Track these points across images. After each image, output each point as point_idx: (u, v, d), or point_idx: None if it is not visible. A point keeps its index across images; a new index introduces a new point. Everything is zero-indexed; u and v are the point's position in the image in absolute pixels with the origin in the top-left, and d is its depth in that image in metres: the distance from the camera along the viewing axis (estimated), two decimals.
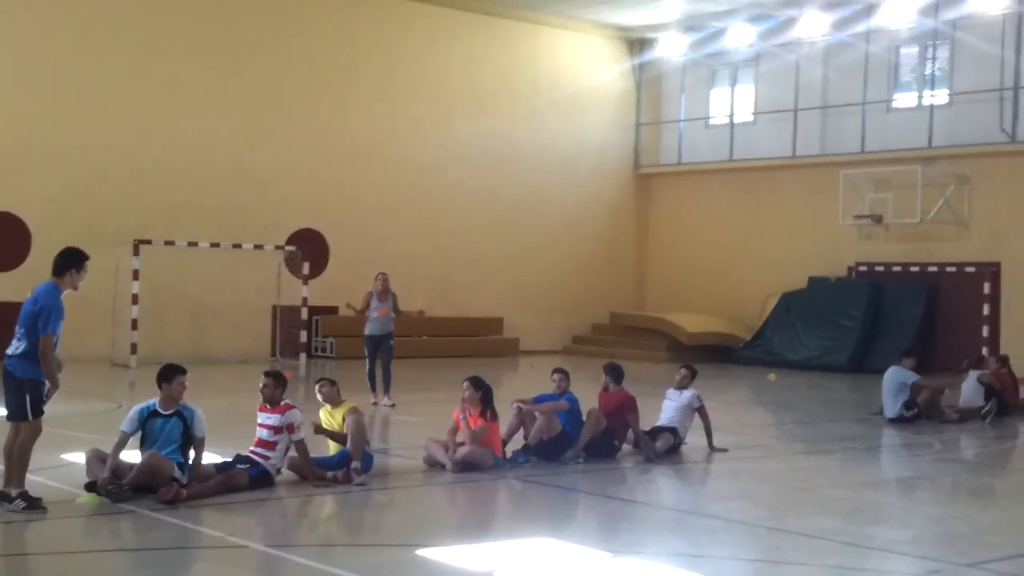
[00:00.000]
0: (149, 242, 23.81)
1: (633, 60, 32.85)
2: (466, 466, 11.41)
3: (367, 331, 17.55)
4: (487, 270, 30.27)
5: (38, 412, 9.14)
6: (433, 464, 11.60)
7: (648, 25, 31.42)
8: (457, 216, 29.62)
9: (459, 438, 11.70)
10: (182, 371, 10.03)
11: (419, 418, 15.95)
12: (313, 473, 10.57)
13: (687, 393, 13.46)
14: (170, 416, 9.89)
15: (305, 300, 25.46)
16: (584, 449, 12.30)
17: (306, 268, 25.60)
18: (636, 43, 32.71)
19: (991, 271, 26.09)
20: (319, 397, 11.30)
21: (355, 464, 10.64)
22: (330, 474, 10.60)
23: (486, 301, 30.18)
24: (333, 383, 11.36)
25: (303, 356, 25.32)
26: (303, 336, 25.60)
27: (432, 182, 29.24)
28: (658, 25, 31.27)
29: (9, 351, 9.13)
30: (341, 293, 25.93)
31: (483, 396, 11.74)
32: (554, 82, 31.30)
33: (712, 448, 13.36)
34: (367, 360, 17.54)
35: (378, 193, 28.38)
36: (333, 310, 26.87)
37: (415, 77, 29.01)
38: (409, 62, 28.90)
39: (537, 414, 12.24)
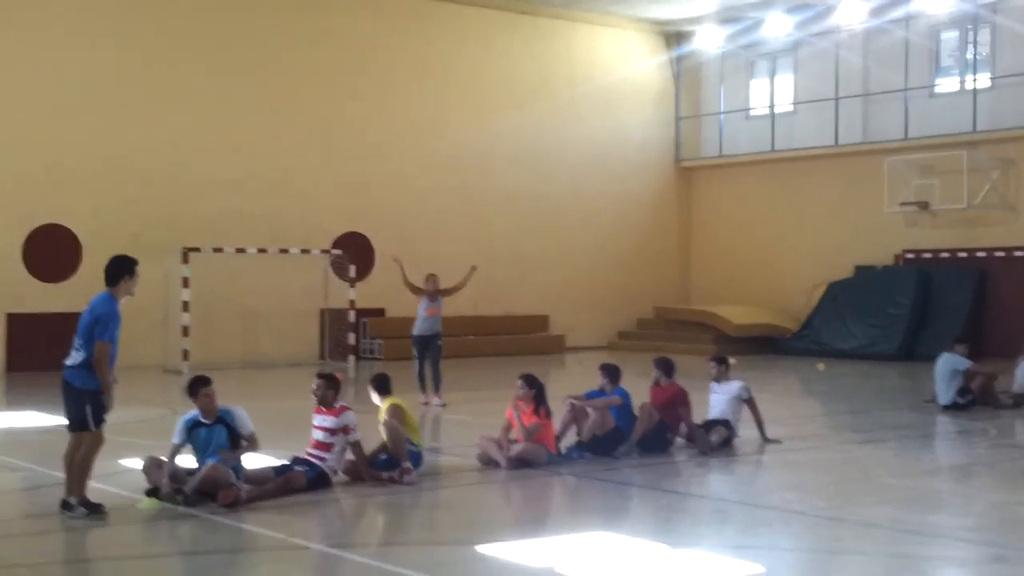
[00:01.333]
0: (198, 250, 24.03)
1: (670, 53, 32.75)
2: (520, 463, 11.44)
3: (416, 331, 17.63)
4: (531, 268, 30.29)
5: (99, 421, 9.24)
6: (488, 462, 11.62)
7: (684, 18, 31.31)
8: (499, 215, 29.67)
9: (512, 435, 11.74)
10: (206, 382, 10.07)
11: (470, 417, 15.98)
12: (369, 474, 10.63)
13: (734, 385, 13.41)
14: (213, 424, 9.96)
15: (352, 303, 25.57)
16: (637, 444, 12.28)
17: (352, 271, 25.72)
18: (673, 36, 32.60)
19: None
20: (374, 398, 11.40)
21: (405, 464, 10.69)
22: (385, 475, 10.66)
23: (531, 299, 30.20)
24: (378, 381, 11.42)
25: (352, 358, 25.44)
26: (351, 339, 25.73)
27: (473, 181, 29.31)
28: (694, 18, 31.14)
29: (68, 362, 9.24)
30: (387, 295, 26.15)
31: (536, 393, 11.77)
32: (592, 78, 31.26)
33: (765, 439, 13.31)
34: (416, 361, 17.61)
35: (420, 194, 28.48)
36: (380, 312, 27.02)
37: (452, 78, 29.10)
38: (445, 63, 28.98)
39: (590, 410, 12.25)
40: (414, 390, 17.26)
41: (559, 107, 30.71)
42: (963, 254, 27.07)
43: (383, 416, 11.08)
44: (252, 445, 10.03)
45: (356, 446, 10.62)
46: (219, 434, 9.92)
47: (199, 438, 9.95)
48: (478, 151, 29.39)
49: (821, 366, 24.49)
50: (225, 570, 8.10)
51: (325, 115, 27.22)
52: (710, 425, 13.06)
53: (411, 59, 28.47)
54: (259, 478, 10.08)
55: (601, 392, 12.59)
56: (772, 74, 31.62)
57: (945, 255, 27.42)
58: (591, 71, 31.31)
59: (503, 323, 29.43)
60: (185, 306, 23.64)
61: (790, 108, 31.10)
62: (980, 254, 26.77)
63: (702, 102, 33.03)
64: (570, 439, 12.35)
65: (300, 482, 10.18)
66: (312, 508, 9.80)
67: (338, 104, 27.43)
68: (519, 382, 11.82)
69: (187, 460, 10.01)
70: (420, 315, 17.59)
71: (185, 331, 23.54)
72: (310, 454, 10.58)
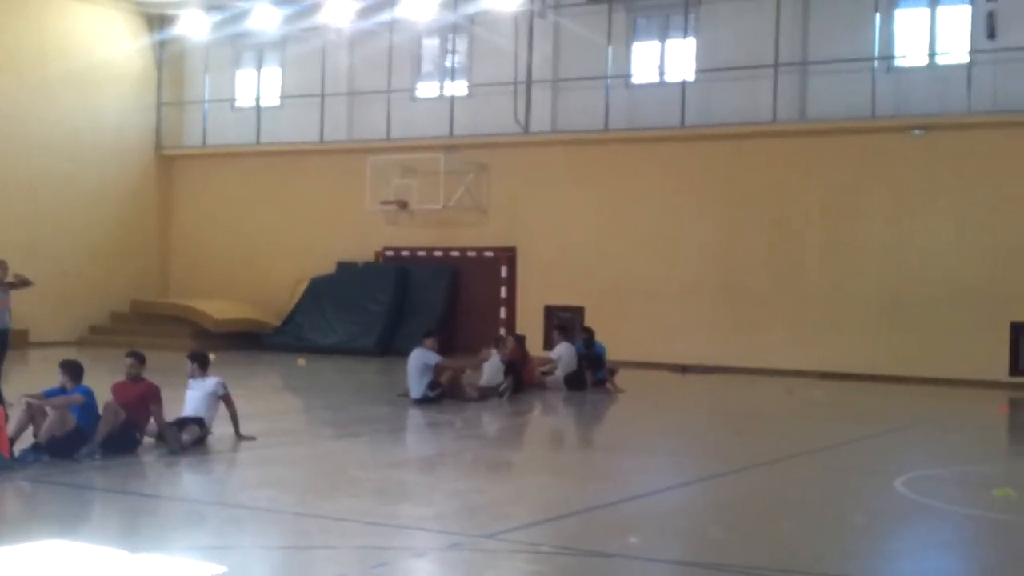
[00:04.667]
0: None
1: (153, 37, 31.53)
2: None
3: None
4: None
5: None
6: None
7: (168, 1, 30.27)
8: None
9: None
10: None
11: None
12: None
13: (210, 381, 13.06)
14: None
15: None
16: (101, 444, 11.58)
17: None
18: (156, 19, 31.40)
19: (507, 255, 27.47)
20: None
21: None
22: None
23: None
24: None
25: None
26: None
27: None
28: (178, 2, 30.19)
29: None
30: None
31: None
32: (66, 57, 29.25)
33: (239, 436, 13.05)
34: None
35: None
36: None
37: None
38: None
39: (48, 409, 11.40)
40: None
41: (27, 85, 28.49)
42: (439, 253, 28.29)
43: None
44: None
45: None
46: None
47: None
48: None
49: (301, 362, 24.62)
50: None
51: None
52: (183, 423, 12.60)
53: None
54: None
55: (62, 390, 11.75)
56: (259, 66, 31.38)
57: (422, 253, 28.51)
58: (65, 48, 29.35)
59: None
60: None
61: (277, 102, 31.02)
62: (454, 253, 28.09)
63: (186, 90, 32.13)
64: (27, 441, 11.41)
65: None
66: None
67: None
68: None
69: None
70: None
71: None
72: None
